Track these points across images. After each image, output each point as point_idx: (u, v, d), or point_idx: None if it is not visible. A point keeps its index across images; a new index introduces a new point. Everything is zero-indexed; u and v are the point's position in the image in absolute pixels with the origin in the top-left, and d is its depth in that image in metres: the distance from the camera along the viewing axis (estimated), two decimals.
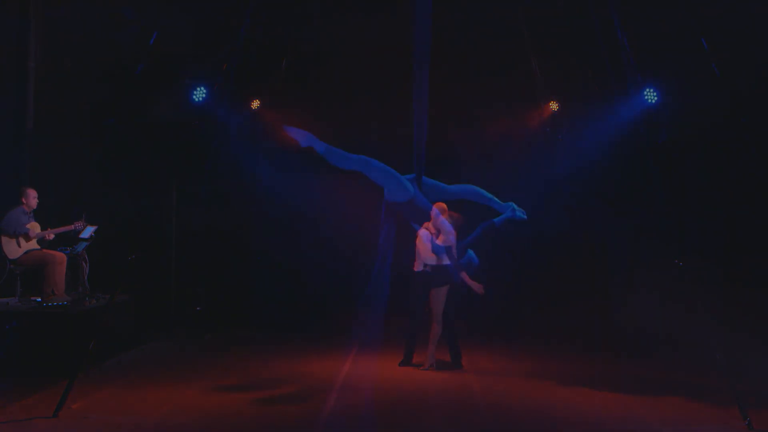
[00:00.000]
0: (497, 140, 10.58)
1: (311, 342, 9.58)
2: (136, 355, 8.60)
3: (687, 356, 8.38)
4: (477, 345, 9.18)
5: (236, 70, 9.35)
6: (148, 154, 10.23)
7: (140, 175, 10.23)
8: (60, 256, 8.32)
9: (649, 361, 8.49)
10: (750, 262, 9.42)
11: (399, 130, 9.23)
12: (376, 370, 7.75)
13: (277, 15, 9.80)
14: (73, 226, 8.53)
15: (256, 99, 10.54)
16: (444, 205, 7.85)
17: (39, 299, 8.22)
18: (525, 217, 7.96)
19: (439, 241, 7.73)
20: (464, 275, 7.72)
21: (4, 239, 8.17)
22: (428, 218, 7.80)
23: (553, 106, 10.47)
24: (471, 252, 8.00)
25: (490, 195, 8.04)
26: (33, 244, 8.34)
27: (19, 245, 8.23)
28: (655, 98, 9.33)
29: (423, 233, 7.87)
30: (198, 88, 9.82)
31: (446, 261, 7.73)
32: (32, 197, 8.40)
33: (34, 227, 8.36)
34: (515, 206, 8.00)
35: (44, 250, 8.38)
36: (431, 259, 7.85)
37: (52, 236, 8.52)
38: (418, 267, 7.97)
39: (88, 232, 8.58)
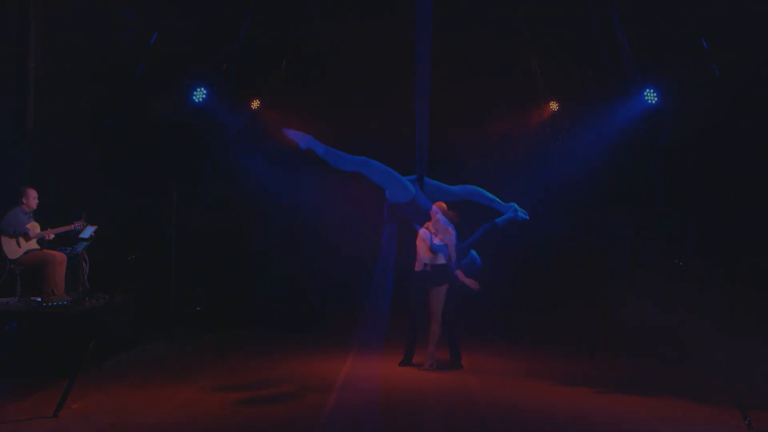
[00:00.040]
0: (497, 140, 10.58)
1: (311, 342, 9.59)
2: (136, 355, 8.60)
3: (687, 356, 8.38)
4: (477, 345, 9.18)
5: (236, 70, 9.35)
6: (148, 154, 10.23)
7: (140, 175, 10.23)
8: (60, 256, 8.32)
9: (649, 362, 8.49)
10: (750, 262, 9.41)
11: (399, 131, 9.24)
12: (376, 370, 7.74)
13: (277, 15, 9.80)
14: (73, 226, 8.53)
15: (256, 99, 10.55)
16: (444, 205, 7.85)
17: (39, 299, 8.22)
18: (527, 217, 7.96)
19: (437, 240, 7.73)
20: (459, 273, 7.72)
21: (4, 239, 8.17)
22: (429, 218, 7.81)
23: (553, 106, 10.47)
24: (474, 252, 8.00)
25: (492, 196, 8.04)
26: (33, 244, 8.34)
27: (19, 245, 8.23)
28: (655, 99, 9.33)
29: (423, 232, 7.88)
30: (198, 89, 9.82)
31: (445, 260, 7.74)
32: (32, 197, 8.41)
33: (34, 227, 8.36)
34: (517, 207, 8.00)
35: (44, 250, 8.38)
36: (430, 258, 7.85)
37: (52, 236, 8.52)
38: (418, 266, 7.98)
39: (88, 232, 8.58)
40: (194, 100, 9.86)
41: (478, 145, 10.75)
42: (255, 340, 9.88)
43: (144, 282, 9.77)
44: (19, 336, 7.43)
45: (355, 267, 10.41)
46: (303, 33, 10.37)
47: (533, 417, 6.21)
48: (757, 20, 9.13)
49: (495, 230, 7.89)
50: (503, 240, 8.99)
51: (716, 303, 9.02)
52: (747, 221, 9.56)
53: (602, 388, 7.19)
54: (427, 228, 7.86)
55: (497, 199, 8.08)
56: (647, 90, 9.27)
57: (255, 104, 10.55)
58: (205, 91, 9.82)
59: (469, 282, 7.69)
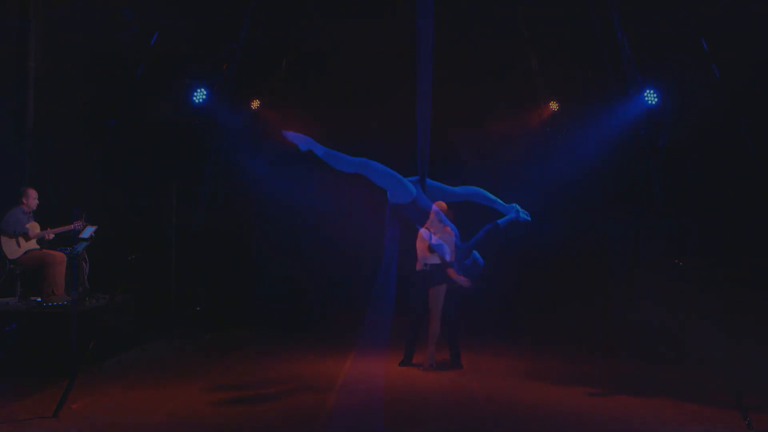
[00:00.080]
0: (497, 140, 10.58)
1: (311, 342, 9.58)
2: (136, 355, 8.60)
3: (687, 356, 8.38)
4: (477, 345, 9.18)
5: (236, 70, 9.35)
6: (148, 154, 10.23)
7: (140, 175, 10.22)
8: (60, 256, 8.32)
9: (649, 362, 8.48)
10: (750, 262, 9.41)
11: (400, 131, 9.23)
12: (376, 370, 7.74)
13: (277, 15, 9.79)
14: (73, 226, 8.52)
15: (256, 99, 10.54)
16: (444, 204, 7.85)
17: (39, 299, 8.23)
18: (529, 218, 7.96)
19: (435, 239, 7.72)
20: (450, 271, 7.72)
21: (4, 239, 8.18)
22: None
23: (553, 106, 10.47)
24: (476, 253, 8.00)
25: (493, 197, 8.03)
26: (33, 244, 8.34)
27: (19, 245, 8.23)
28: (656, 99, 9.33)
29: (423, 232, 7.87)
30: (198, 89, 9.82)
31: (445, 258, 7.73)
32: (33, 198, 8.41)
33: (34, 227, 8.36)
34: (519, 207, 8.00)
35: (44, 250, 8.38)
36: (428, 257, 7.85)
37: (51, 236, 8.52)
38: (419, 266, 7.98)
39: (88, 232, 8.58)
40: (194, 101, 9.86)
41: (478, 145, 10.75)
42: (255, 340, 9.88)
43: (144, 282, 9.78)
44: (19, 336, 7.43)
45: (355, 267, 10.41)
46: (303, 33, 10.37)
47: (533, 417, 6.21)
48: (757, 20, 9.13)
49: (497, 231, 7.88)
50: (505, 240, 8.99)
51: (716, 303, 9.01)
52: (747, 221, 9.56)
53: (602, 388, 7.19)
54: (427, 228, 7.86)
55: (499, 200, 8.08)
56: (647, 90, 9.27)
57: (255, 104, 10.55)
58: (205, 92, 9.81)
59: (460, 279, 7.69)
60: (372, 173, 7.28)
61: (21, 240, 8.24)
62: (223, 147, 9.71)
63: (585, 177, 10.14)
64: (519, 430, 5.96)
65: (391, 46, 9.51)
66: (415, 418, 6.17)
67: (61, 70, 10.01)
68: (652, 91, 9.28)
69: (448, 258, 7.73)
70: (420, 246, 7.97)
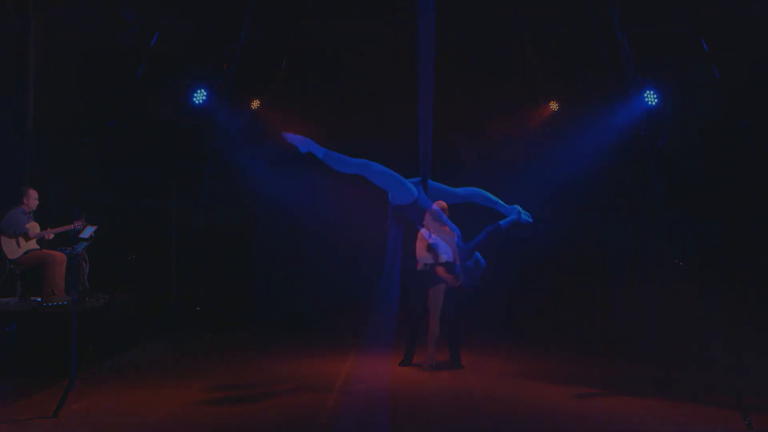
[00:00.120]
0: (497, 141, 10.57)
1: (311, 342, 9.59)
2: (136, 355, 8.60)
3: (687, 357, 8.38)
4: (477, 345, 9.18)
5: (236, 71, 9.34)
6: (148, 154, 10.23)
7: (140, 175, 10.22)
8: (60, 256, 8.32)
9: (649, 362, 8.49)
10: (750, 262, 9.41)
11: (401, 132, 9.22)
12: (377, 370, 7.74)
13: (277, 15, 9.79)
14: (72, 226, 8.51)
15: (256, 99, 10.54)
16: (444, 204, 7.85)
17: (39, 299, 8.22)
18: (530, 220, 7.95)
19: (433, 237, 7.73)
20: (439, 269, 7.71)
21: (4, 239, 8.17)
22: None
23: (553, 106, 10.46)
24: (478, 254, 8.00)
25: (494, 198, 8.04)
26: (33, 244, 8.34)
27: (19, 245, 8.23)
28: (656, 100, 9.32)
29: (423, 232, 7.88)
30: (198, 90, 9.81)
31: (444, 258, 7.73)
32: (33, 198, 8.41)
33: (34, 227, 8.36)
34: (520, 209, 8.00)
35: (44, 250, 8.38)
36: (428, 257, 7.85)
37: (51, 236, 8.52)
38: (419, 266, 7.98)
39: (88, 232, 8.56)
40: (194, 101, 9.86)
41: (478, 145, 10.74)
42: (255, 340, 9.88)
43: (144, 282, 9.78)
44: (19, 336, 7.43)
45: (355, 267, 10.40)
46: (303, 33, 10.36)
47: (533, 417, 6.21)
48: (757, 20, 9.13)
49: (498, 232, 7.89)
50: (506, 241, 8.99)
51: (716, 303, 9.01)
52: (747, 221, 9.56)
53: (602, 388, 7.19)
54: (426, 228, 7.86)
55: (500, 201, 8.08)
56: (647, 91, 9.27)
57: (255, 105, 10.54)
58: (205, 92, 9.81)
59: (447, 278, 7.68)
60: (372, 174, 7.27)
61: (21, 240, 8.24)
62: (223, 147, 9.71)
63: (585, 177, 10.14)
64: (519, 430, 5.96)
65: (391, 46, 9.51)
66: (415, 418, 6.16)
67: (61, 70, 10.01)
68: (652, 92, 9.28)
69: (444, 258, 7.74)
70: (420, 246, 7.97)
